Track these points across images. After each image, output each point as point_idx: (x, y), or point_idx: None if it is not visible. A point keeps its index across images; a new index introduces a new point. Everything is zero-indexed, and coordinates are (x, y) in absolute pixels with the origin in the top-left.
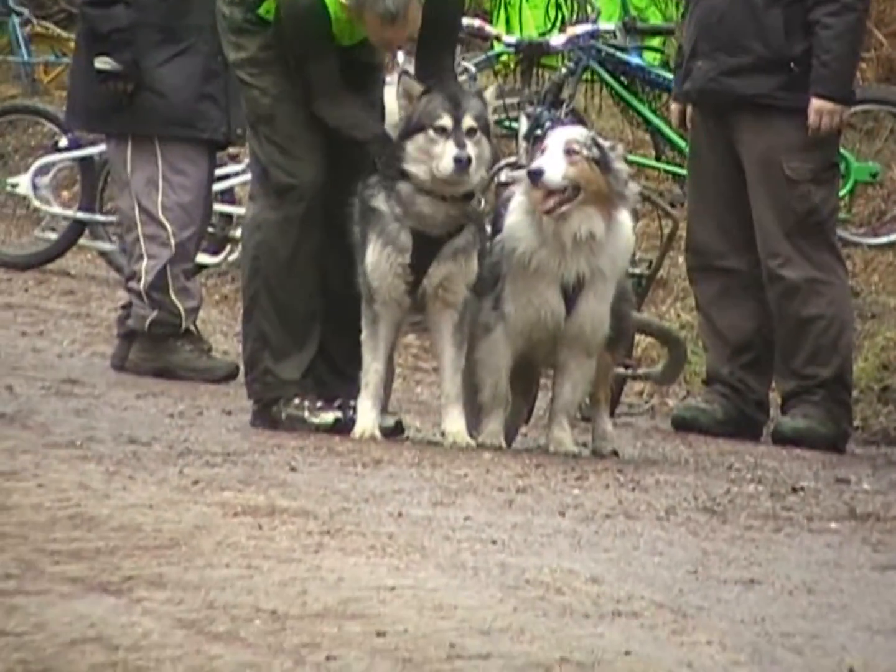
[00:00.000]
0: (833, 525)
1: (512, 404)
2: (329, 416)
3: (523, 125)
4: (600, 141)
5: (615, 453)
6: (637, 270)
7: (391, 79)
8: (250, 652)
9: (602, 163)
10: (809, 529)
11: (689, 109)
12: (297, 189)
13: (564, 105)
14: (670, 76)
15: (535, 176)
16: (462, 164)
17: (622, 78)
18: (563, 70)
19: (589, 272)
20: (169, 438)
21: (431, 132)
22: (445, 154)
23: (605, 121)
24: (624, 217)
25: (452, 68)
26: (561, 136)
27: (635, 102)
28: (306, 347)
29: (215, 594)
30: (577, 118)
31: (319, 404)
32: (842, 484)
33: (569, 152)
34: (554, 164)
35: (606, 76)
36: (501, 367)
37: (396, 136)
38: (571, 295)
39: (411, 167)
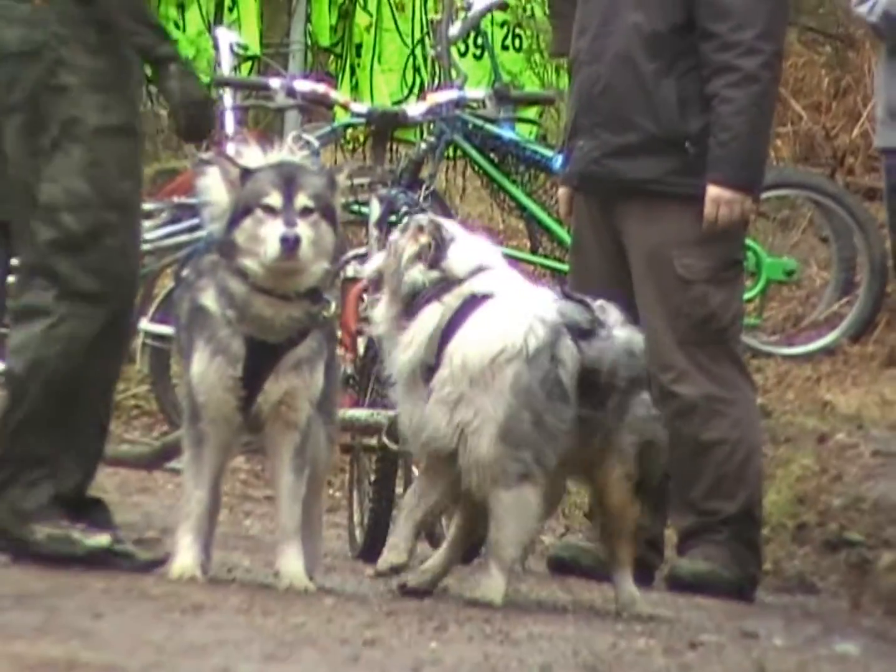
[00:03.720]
0: None
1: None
2: (104, 539)
3: (375, 210)
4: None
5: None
6: None
7: (211, 157)
8: None
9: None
10: None
11: None
12: (126, 291)
13: (423, 187)
14: (548, 153)
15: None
16: (289, 243)
17: (492, 155)
18: (423, 145)
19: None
20: None
21: (259, 212)
22: (270, 235)
23: (471, 206)
24: None
25: None
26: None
27: (507, 184)
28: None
29: None
30: (439, 201)
31: (83, 525)
32: (749, 639)
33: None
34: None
35: (473, 152)
36: None
37: (223, 229)
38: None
39: (245, 261)
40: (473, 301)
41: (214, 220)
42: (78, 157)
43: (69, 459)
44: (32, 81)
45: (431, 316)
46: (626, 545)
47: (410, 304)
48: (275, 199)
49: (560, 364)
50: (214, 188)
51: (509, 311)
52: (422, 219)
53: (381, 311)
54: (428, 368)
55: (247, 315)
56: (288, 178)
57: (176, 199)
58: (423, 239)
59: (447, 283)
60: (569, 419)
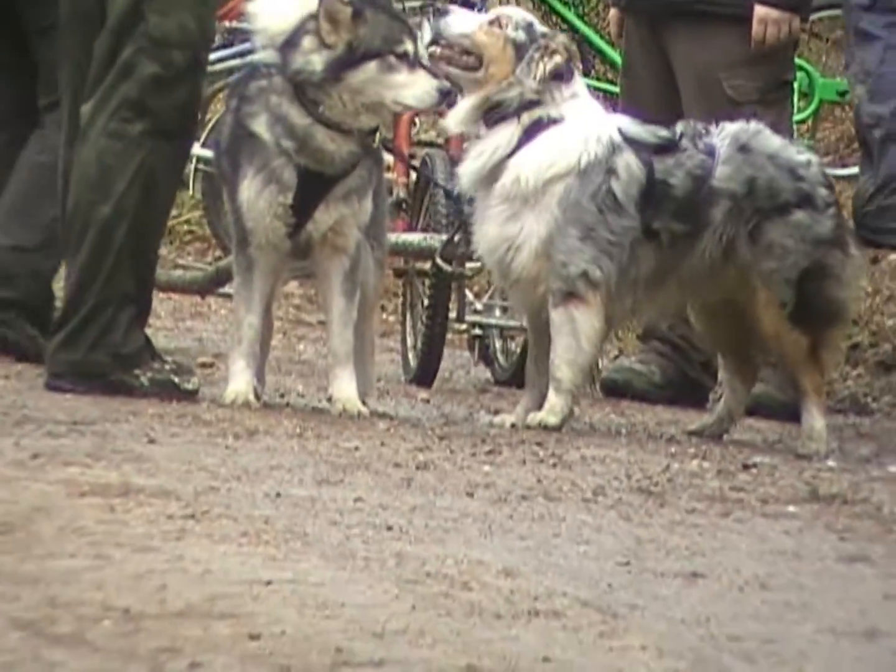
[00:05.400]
0: (791, 508)
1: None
2: (196, 380)
3: (427, 32)
4: (542, 29)
5: (825, 456)
6: None
7: None
8: (98, 657)
9: (521, 48)
10: (763, 514)
11: None
12: (195, 126)
13: (476, 9)
14: None
15: (439, 15)
16: (449, 97)
17: None
18: None
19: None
20: (3, 404)
21: (392, 59)
22: (419, 83)
23: None
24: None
25: None
26: (499, 9)
27: (559, 6)
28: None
29: (58, 589)
30: None
31: (177, 366)
32: (802, 460)
33: (493, 22)
34: (467, 18)
35: None
36: None
37: (324, 66)
38: None
39: (343, 96)
40: (541, 124)
41: (266, 46)
42: None
43: (147, 293)
44: None
45: (507, 132)
46: (803, 374)
47: (491, 113)
48: (409, 46)
49: (613, 175)
50: (264, 14)
51: (569, 132)
52: (558, 38)
53: (461, 109)
54: (491, 183)
55: (307, 147)
56: (409, 26)
57: (228, 24)
58: (557, 58)
59: (529, 103)
60: (624, 230)
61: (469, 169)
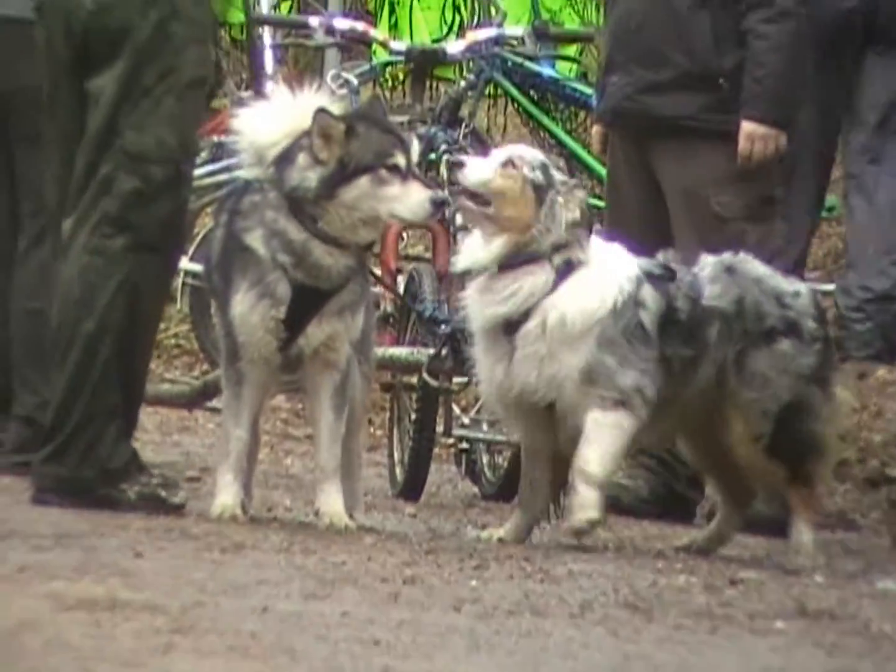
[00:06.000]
0: (779, 624)
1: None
2: (183, 495)
3: (415, 148)
4: (556, 172)
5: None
6: None
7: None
8: None
9: (540, 190)
10: (751, 629)
11: None
12: (182, 240)
13: (463, 125)
14: (588, 91)
15: (455, 167)
16: (442, 206)
17: (532, 92)
18: (462, 83)
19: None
20: None
21: (384, 172)
22: (413, 195)
23: (511, 143)
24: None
25: None
26: (508, 148)
27: (547, 121)
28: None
29: None
30: (479, 139)
31: (164, 480)
32: (790, 576)
33: (507, 164)
34: (482, 166)
35: (513, 90)
36: None
37: (318, 184)
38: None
39: (339, 212)
40: (570, 265)
41: (252, 163)
42: (168, 109)
43: (134, 406)
44: (150, 28)
45: (540, 275)
46: (791, 490)
47: (516, 255)
48: (400, 159)
49: (641, 306)
50: (250, 131)
51: (603, 274)
52: (579, 194)
53: (487, 251)
54: (509, 323)
55: (304, 261)
56: (401, 138)
57: (215, 138)
58: (577, 213)
59: (560, 247)
60: (652, 359)
61: (495, 311)
